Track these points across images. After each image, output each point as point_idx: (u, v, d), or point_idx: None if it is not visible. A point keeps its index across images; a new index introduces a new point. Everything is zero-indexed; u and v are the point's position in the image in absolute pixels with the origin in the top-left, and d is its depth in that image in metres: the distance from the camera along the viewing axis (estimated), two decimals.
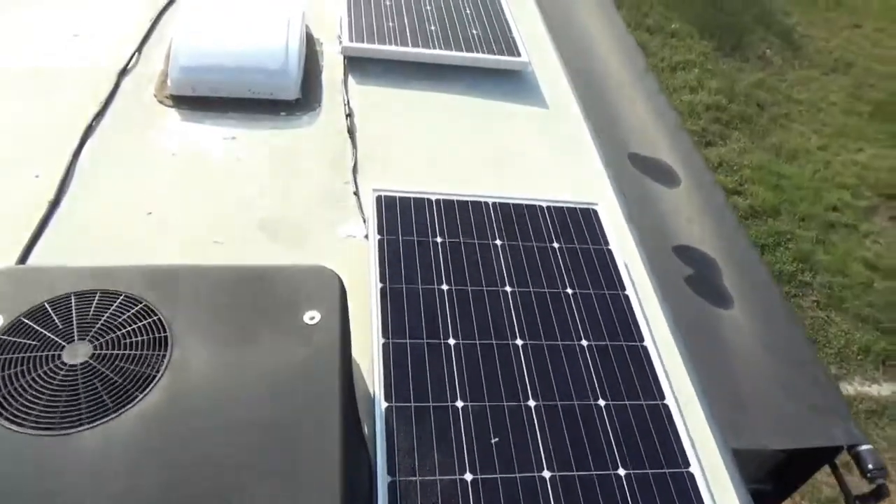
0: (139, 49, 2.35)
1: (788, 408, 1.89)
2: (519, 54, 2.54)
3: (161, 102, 2.17)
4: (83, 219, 1.79)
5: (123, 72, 2.25)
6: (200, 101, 2.18)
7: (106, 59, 2.29)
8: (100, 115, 2.08)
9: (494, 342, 1.63)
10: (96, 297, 1.21)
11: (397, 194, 1.92)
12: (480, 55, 2.49)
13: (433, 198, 1.94)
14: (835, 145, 7.02)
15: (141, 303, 1.21)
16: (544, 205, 2.00)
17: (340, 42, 2.48)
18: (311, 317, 1.25)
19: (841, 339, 5.24)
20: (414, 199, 1.92)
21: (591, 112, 2.58)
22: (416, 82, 2.44)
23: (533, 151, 2.28)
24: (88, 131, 2.02)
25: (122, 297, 1.22)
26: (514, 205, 1.97)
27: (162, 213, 1.84)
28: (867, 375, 5.12)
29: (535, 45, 2.71)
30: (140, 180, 1.92)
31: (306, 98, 2.26)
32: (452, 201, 1.94)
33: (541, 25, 2.92)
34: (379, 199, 1.90)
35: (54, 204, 1.81)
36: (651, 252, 2.03)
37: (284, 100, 2.23)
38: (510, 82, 2.54)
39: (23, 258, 1.66)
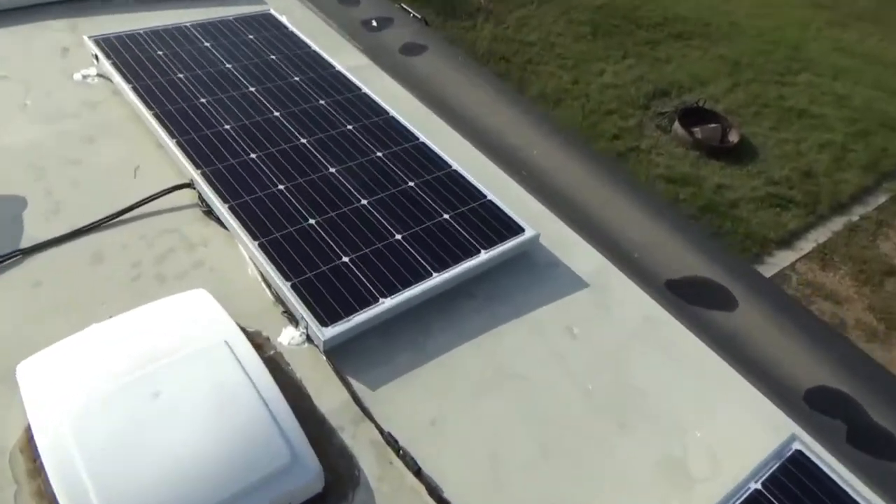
0: None
1: None
2: (522, 229, 1.76)
3: None
4: None
5: None
6: None
7: None
8: None
9: None
10: None
11: None
12: (485, 255, 1.67)
13: None
14: (583, 75, 7.04)
15: None
16: (758, 486, 1.34)
17: (305, 332, 1.49)
18: None
19: None
20: None
21: (608, 254, 1.92)
22: (424, 333, 1.56)
23: (624, 360, 1.58)
24: None
25: None
26: None
27: None
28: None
29: (498, 187, 1.93)
30: None
31: (332, 474, 1.29)
32: None
33: (480, 156, 2.11)
34: None
35: None
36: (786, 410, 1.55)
37: (310, 499, 1.25)
38: (522, 266, 1.76)
39: None
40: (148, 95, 1.96)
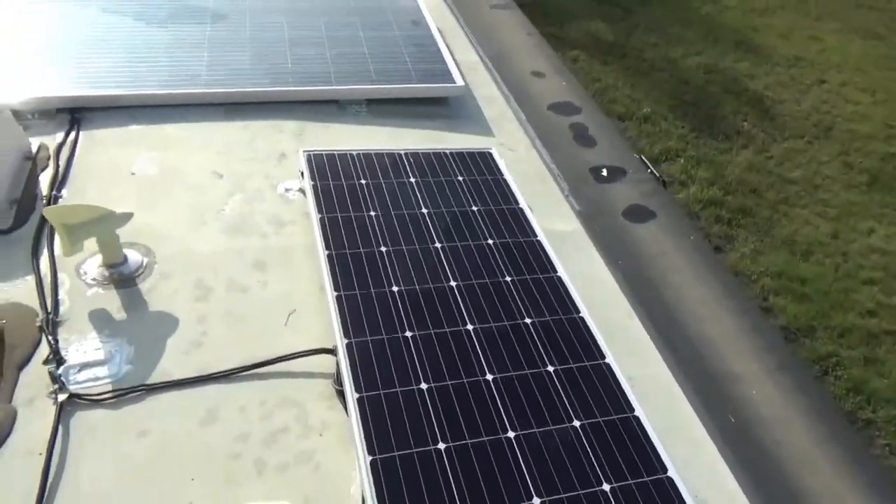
0: None
1: None
2: None
3: None
4: None
5: None
6: None
7: None
8: None
9: None
10: None
11: None
12: None
13: None
14: (845, 229, 6.00)
15: None
16: None
17: None
18: None
19: None
20: None
21: None
22: None
23: None
24: None
25: None
26: None
27: None
28: None
29: (689, 444, 1.45)
30: None
31: None
32: None
33: (679, 393, 1.65)
34: None
35: None
36: None
37: None
38: None
39: None
40: (331, 231, 1.80)
